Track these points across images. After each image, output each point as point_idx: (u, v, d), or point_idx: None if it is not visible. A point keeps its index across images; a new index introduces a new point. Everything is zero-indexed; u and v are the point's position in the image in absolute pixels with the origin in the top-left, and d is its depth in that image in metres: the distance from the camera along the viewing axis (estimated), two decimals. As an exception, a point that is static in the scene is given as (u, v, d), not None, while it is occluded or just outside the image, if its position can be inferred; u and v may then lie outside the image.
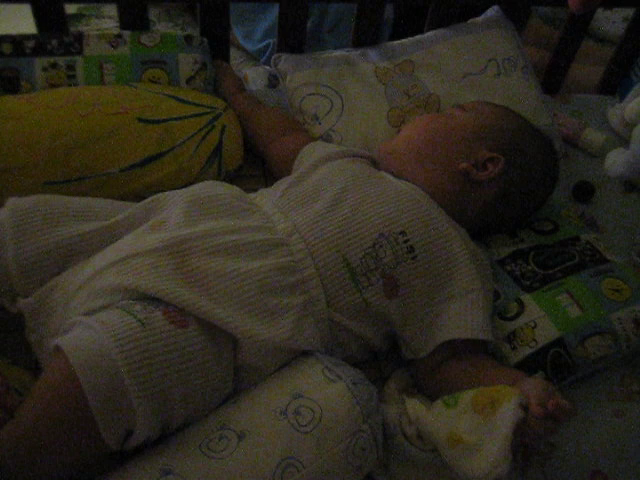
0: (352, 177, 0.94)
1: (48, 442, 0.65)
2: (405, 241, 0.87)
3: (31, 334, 0.80)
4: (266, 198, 0.93)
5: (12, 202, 0.82)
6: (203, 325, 0.74)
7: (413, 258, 0.87)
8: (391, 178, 0.97)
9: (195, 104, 1.06)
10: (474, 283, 0.89)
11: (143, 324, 0.69)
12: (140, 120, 1.01)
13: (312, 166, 0.99)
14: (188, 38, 1.14)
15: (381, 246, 0.86)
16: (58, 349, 0.68)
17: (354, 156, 1.04)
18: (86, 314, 0.74)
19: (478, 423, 0.72)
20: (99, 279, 0.77)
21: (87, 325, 0.70)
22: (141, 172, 1.00)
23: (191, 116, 1.04)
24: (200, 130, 1.04)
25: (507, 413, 0.71)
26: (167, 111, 1.03)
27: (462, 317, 0.87)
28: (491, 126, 1.00)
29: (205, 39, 1.17)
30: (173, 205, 0.86)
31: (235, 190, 0.93)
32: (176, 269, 0.77)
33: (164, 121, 1.02)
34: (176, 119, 1.03)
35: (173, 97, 1.06)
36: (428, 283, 0.88)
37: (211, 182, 0.94)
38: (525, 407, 0.71)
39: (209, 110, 1.06)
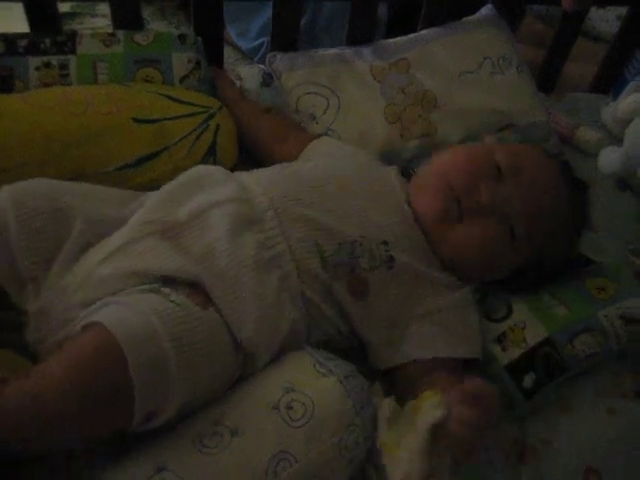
0: (357, 171, 0.95)
1: (73, 410, 0.64)
2: (386, 250, 0.86)
3: (32, 334, 0.79)
4: (249, 173, 0.94)
5: (6, 188, 0.81)
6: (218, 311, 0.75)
7: (389, 268, 0.86)
8: (400, 196, 0.93)
9: (189, 103, 1.06)
10: (447, 300, 0.89)
11: (179, 305, 0.70)
12: (134, 120, 1.00)
13: (318, 156, 1.01)
14: (182, 37, 1.13)
15: (361, 244, 0.85)
16: (94, 325, 0.67)
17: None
18: (98, 300, 0.74)
19: (409, 433, 0.73)
20: (102, 270, 0.77)
21: (124, 304, 0.70)
22: (135, 172, 0.99)
23: (185, 116, 1.04)
24: (194, 130, 1.04)
25: (423, 416, 0.71)
26: (161, 110, 1.03)
27: (429, 337, 0.87)
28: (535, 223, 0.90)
29: (199, 38, 1.16)
30: (154, 195, 0.87)
31: (214, 167, 0.94)
32: (173, 249, 0.78)
33: (158, 121, 1.02)
34: (170, 119, 1.03)
35: (167, 96, 1.05)
36: (400, 298, 0.87)
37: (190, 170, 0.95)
38: (446, 408, 0.71)
39: (203, 109, 1.06)
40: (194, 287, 0.77)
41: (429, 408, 0.71)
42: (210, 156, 1.05)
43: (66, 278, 0.79)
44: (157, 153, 1.01)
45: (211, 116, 1.06)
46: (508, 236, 0.89)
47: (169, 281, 0.76)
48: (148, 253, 0.78)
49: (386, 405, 0.78)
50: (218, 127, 1.06)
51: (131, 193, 0.91)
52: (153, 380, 0.65)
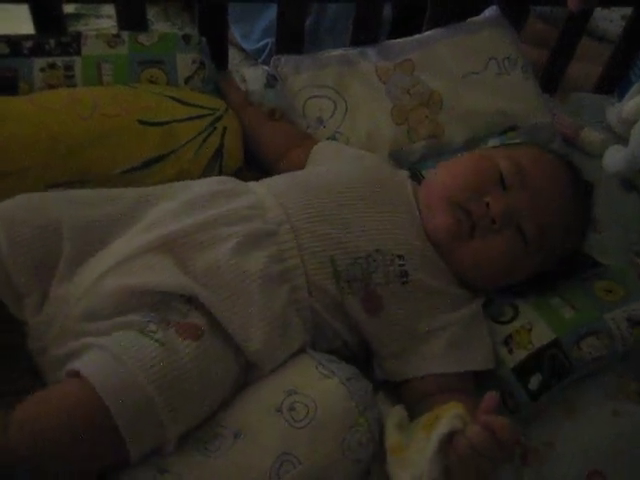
0: (369, 178, 0.94)
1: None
2: (400, 265, 0.86)
3: (33, 342, 0.79)
4: (262, 184, 0.93)
5: None
6: (215, 330, 0.75)
7: (403, 283, 0.85)
8: (414, 207, 0.93)
9: (196, 105, 1.06)
10: (459, 314, 0.88)
11: (163, 344, 0.69)
12: (140, 122, 1.00)
13: (325, 160, 1.00)
14: (186, 37, 1.13)
15: (374, 260, 0.85)
16: (77, 374, 0.67)
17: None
18: (91, 319, 0.74)
19: (421, 438, 0.73)
20: (100, 285, 0.76)
21: (106, 350, 0.69)
22: (142, 175, 0.99)
23: (192, 118, 1.04)
24: (201, 132, 1.04)
25: (442, 424, 0.71)
26: (168, 113, 1.03)
27: (442, 352, 0.86)
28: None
29: (203, 38, 1.16)
30: (164, 202, 0.86)
31: (227, 179, 0.93)
32: (175, 265, 0.78)
33: (165, 123, 1.02)
34: (177, 121, 1.02)
35: (173, 98, 1.05)
36: (413, 313, 0.86)
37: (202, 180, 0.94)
38: (465, 421, 0.70)
39: (210, 112, 1.06)
40: (194, 303, 0.77)
41: (450, 417, 0.71)
42: (217, 159, 1.05)
43: (67, 288, 0.78)
44: (164, 156, 1.01)
45: (218, 118, 1.06)
46: (521, 245, 0.89)
47: (168, 298, 0.76)
48: (150, 269, 0.77)
49: (396, 412, 0.78)
50: (225, 129, 1.06)
51: (121, 190, 0.89)
52: (141, 424, 0.66)
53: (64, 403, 0.67)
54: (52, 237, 0.79)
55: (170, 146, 1.01)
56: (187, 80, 1.11)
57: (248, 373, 0.79)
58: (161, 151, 1.00)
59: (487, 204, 0.87)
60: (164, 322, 0.73)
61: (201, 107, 1.06)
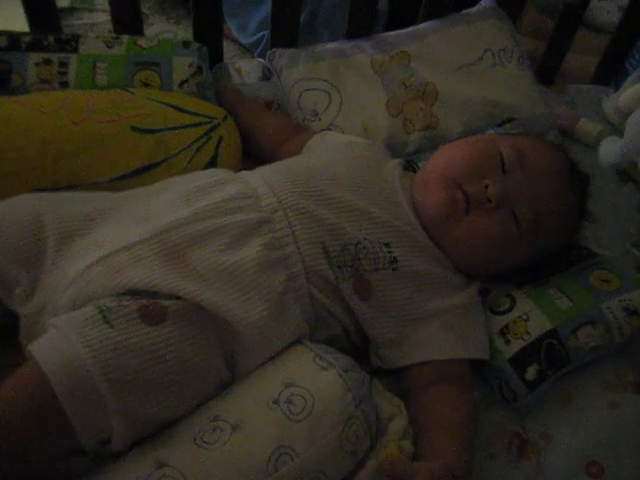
0: (358, 166, 0.94)
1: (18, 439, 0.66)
2: (389, 252, 0.86)
3: (24, 337, 0.79)
4: (254, 172, 0.92)
5: None
6: (183, 314, 0.73)
7: (394, 269, 0.86)
8: (401, 193, 0.92)
9: (193, 113, 1.03)
10: (454, 300, 0.88)
11: (112, 326, 0.69)
12: (134, 129, 0.98)
13: (319, 150, 1.00)
14: (186, 43, 1.12)
15: (364, 247, 0.85)
16: (30, 354, 0.68)
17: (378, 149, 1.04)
18: (76, 309, 0.73)
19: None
20: (85, 278, 0.76)
21: (57, 328, 0.69)
22: (132, 183, 0.96)
23: (187, 126, 1.01)
24: (195, 141, 1.01)
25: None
26: (162, 120, 1.00)
27: (438, 338, 0.86)
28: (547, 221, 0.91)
29: (205, 47, 1.14)
30: (156, 196, 0.86)
31: (220, 170, 0.93)
32: (163, 259, 0.76)
33: (158, 131, 0.99)
34: (171, 129, 1.00)
35: (170, 105, 1.03)
36: (406, 299, 0.86)
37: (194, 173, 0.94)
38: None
39: (207, 120, 1.03)
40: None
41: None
42: (211, 168, 1.01)
43: (57, 275, 0.78)
44: (155, 164, 0.98)
45: (214, 127, 1.03)
46: (514, 230, 0.89)
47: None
48: (138, 264, 0.76)
49: (401, 419, 0.79)
50: (221, 139, 1.03)
51: (107, 193, 0.89)
52: (85, 406, 0.65)
53: (16, 384, 0.67)
54: (36, 227, 0.79)
55: (162, 155, 0.98)
56: (182, 84, 1.09)
57: (238, 362, 0.77)
58: (152, 159, 0.98)
59: (486, 186, 0.88)
60: (127, 300, 0.72)
61: (198, 115, 1.03)
